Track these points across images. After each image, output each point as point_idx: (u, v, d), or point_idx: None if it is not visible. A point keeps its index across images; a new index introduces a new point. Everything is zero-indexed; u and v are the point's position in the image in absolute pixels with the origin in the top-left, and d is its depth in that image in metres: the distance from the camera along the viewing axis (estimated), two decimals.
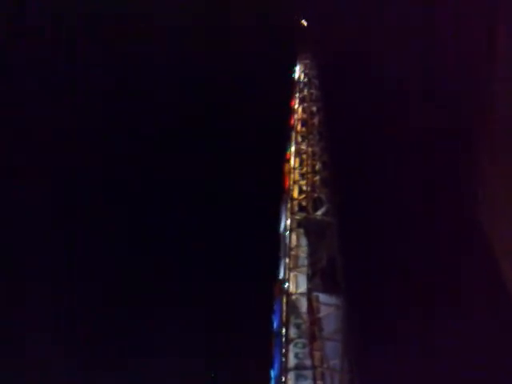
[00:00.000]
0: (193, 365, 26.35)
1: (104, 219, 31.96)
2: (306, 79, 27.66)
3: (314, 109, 26.26)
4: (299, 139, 25.27)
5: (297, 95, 27.00)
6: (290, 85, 27.49)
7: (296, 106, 26.51)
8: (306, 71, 28.00)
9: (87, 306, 28.30)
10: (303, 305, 20.22)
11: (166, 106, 35.26)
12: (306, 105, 26.44)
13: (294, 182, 23.74)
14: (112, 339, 27.58)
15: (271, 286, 21.33)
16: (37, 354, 26.40)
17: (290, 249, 21.72)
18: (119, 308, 28.48)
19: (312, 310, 19.96)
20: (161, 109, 35.25)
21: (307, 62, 28.30)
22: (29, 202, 31.40)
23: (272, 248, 22.51)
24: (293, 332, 19.64)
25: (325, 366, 18.91)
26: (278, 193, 23.82)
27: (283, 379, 18.69)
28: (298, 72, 28.22)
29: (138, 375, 26.02)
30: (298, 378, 18.87)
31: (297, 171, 24.13)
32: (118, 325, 28.15)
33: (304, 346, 19.38)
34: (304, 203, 23.15)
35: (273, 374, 19.37)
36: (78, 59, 35.19)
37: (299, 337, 19.54)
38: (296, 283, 21.05)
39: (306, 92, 27.03)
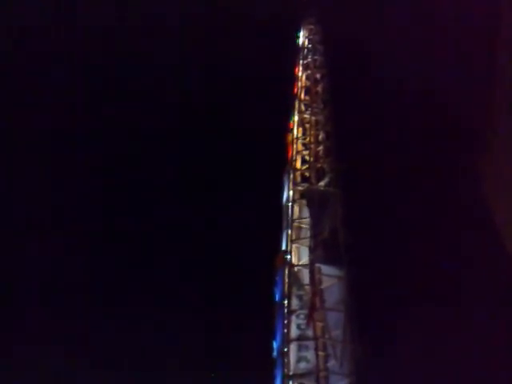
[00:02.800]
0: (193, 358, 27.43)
1: (103, 218, 32.78)
2: (310, 45, 27.86)
3: (318, 76, 26.51)
4: (302, 108, 25.70)
5: (301, 62, 27.17)
6: (294, 51, 27.77)
7: (300, 74, 26.76)
8: (311, 37, 28.17)
9: (86, 305, 29.16)
10: (305, 276, 21.02)
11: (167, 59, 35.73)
12: (309, 72, 26.66)
13: (297, 153, 24.30)
14: (111, 338, 28.50)
15: (273, 257, 22.15)
16: (36, 354, 27.39)
17: (293, 220, 22.45)
18: (118, 307, 29.38)
19: (314, 281, 20.72)
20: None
21: (311, 27, 28.50)
22: (27, 201, 32.23)
23: (274, 219, 23.20)
24: (295, 303, 20.53)
25: (326, 336, 19.87)
26: (280, 163, 24.41)
27: (285, 350, 19.67)
28: (301, 38, 28.44)
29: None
30: (299, 348, 19.85)
31: (300, 141, 24.67)
32: (116, 323, 29.08)
33: (306, 317, 20.26)
34: (307, 174, 23.79)
35: (275, 344, 20.36)
36: (78, 59, 35.74)
37: (301, 308, 20.42)
38: (298, 255, 21.94)
39: (309, 58, 27.20)
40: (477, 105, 29.61)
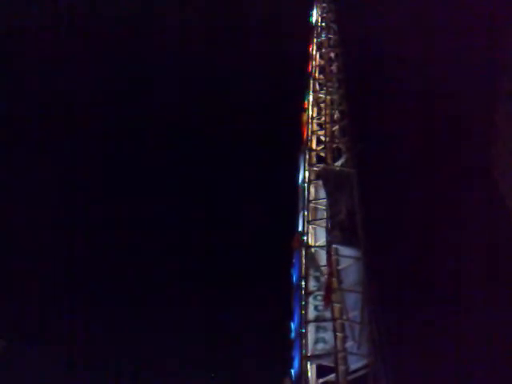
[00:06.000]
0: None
1: (103, 216, 33.33)
2: (323, 23, 28.03)
3: (332, 55, 26.73)
4: (317, 87, 25.94)
5: (314, 40, 27.36)
6: (307, 30, 27.97)
7: (314, 52, 26.97)
8: (324, 15, 28.34)
9: (85, 305, 29.75)
10: (322, 257, 21.35)
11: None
12: (323, 51, 26.87)
13: (312, 133, 24.53)
14: (110, 337, 29.11)
15: (290, 239, 22.59)
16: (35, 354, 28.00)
17: (309, 201, 22.77)
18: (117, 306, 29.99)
19: (331, 262, 21.02)
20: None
21: (325, 5, 28.64)
22: (27, 200, 32.80)
23: (290, 201, 23.60)
24: (312, 285, 20.92)
25: (344, 317, 20.26)
26: (295, 144, 24.73)
27: (303, 331, 20.11)
28: (315, 16, 28.60)
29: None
30: (317, 329, 20.34)
31: (315, 121, 24.93)
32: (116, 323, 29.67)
33: (323, 299, 20.64)
34: (323, 154, 24.07)
35: (293, 326, 20.85)
36: (78, 60, 36.20)
37: (318, 289, 20.80)
38: (315, 236, 22.32)
39: (323, 37, 27.42)
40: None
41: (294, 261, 22.05)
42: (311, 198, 22.90)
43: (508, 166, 29.37)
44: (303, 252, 21.59)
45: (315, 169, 23.62)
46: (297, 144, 24.80)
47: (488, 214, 28.30)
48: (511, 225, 27.84)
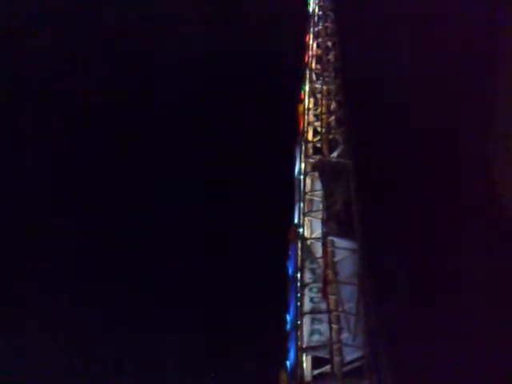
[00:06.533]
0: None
1: (103, 212, 33.28)
2: (320, 12, 27.91)
3: (330, 44, 26.59)
4: (314, 77, 25.70)
5: (311, 30, 27.24)
6: (304, 18, 27.85)
7: (310, 42, 26.82)
8: (321, 3, 28.23)
9: (85, 305, 29.66)
10: (318, 249, 21.10)
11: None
12: (320, 40, 26.75)
13: (309, 124, 24.29)
14: (110, 337, 28.97)
15: (286, 231, 22.27)
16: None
17: (305, 193, 22.51)
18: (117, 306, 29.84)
19: (327, 254, 20.76)
20: None
21: None
22: (27, 200, 32.81)
23: (286, 193, 23.34)
24: (308, 277, 20.67)
25: (340, 309, 20.02)
26: (291, 135, 24.47)
27: (299, 323, 19.76)
28: (312, 4, 28.49)
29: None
30: (313, 321, 20.04)
31: (311, 112, 24.65)
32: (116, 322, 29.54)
33: (319, 291, 20.38)
34: (319, 145, 23.83)
35: (288, 318, 20.54)
36: (78, 60, 36.32)
37: (314, 281, 20.57)
38: (311, 228, 22.08)
39: (320, 26, 27.28)
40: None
41: (289, 253, 21.78)
42: (307, 190, 22.65)
43: (508, 166, 29.27)
44: (299, 244, 21.29)
45: (311, 160, 23.35)
46: (294, 136, 24.50)
47: (488, 214, 28.21)
48: (511, 225, 27.65)
